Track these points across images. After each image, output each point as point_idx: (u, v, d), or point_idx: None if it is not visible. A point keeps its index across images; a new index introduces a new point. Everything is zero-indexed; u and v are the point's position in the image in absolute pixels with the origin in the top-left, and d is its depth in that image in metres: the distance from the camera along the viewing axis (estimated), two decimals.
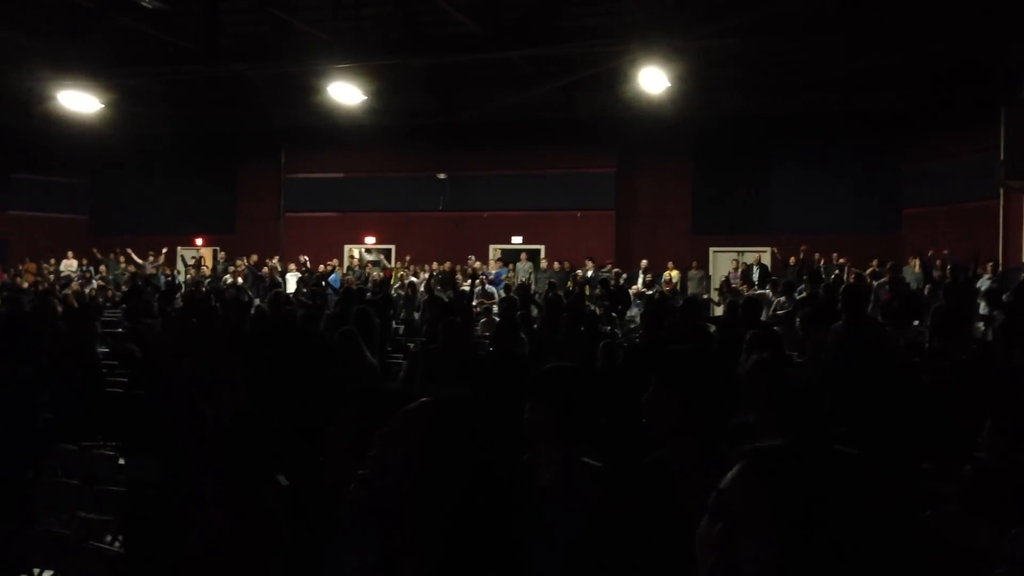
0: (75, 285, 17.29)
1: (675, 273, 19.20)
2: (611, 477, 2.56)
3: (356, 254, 21.90)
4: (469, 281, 17.96)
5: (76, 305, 11.82)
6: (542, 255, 21.27)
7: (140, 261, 19.95)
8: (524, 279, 18.68)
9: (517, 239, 22.48)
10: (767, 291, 13.80)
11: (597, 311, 13.52)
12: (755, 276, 17.56)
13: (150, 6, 15.53)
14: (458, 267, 19.52)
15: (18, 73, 18.47)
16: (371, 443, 1.49)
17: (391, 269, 19.51)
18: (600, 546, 2.30)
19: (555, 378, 2.71)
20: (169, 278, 18.62)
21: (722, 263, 20.87)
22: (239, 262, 20.12)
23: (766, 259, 19.44)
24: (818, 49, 16.83)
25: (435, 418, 1.43)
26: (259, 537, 2.07)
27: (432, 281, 17.33)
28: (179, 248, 23.00)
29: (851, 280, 15.00)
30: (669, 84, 16.61)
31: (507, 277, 19.29)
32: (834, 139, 20.05)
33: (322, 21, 16.06)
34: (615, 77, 17.33)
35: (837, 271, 17.06)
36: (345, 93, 17.84)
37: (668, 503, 2.35)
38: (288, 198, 24.22)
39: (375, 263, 20.43)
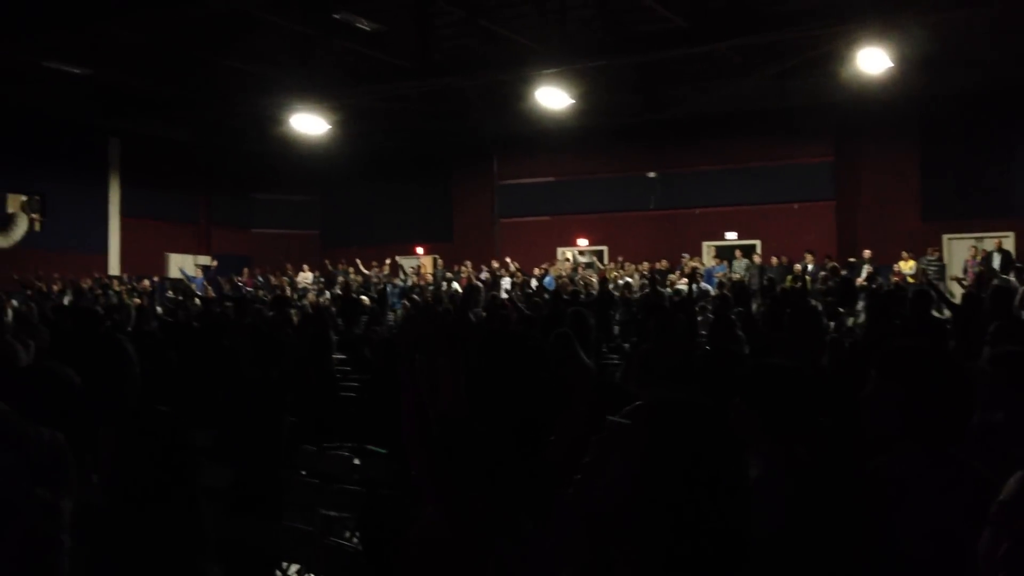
0: (311, 296, 18.46)
1: (910, 264, 18.04)
2: (818, 477, 2.42)
3: (569, 256, 22.12)
4: (686, 279, 17.69)
5: (312, 314, 12.61)
6: (758, 250, 20.62)
7: (366, 271, 21.04)
8: (740, 275, 18.18)
9: (731, 235, 21.93)
10: (1010, 278, 12.71)
11: (819, 306, 12.92)
12: (996, 263, 16.22)
13: (369, 29, 16.39)
14: (670, 264, 19.27)
15: (255, 102, 20.07)
16: (589, 445, 1.48)
17: (604, 270, 19.54)
18: (797, 545, 2.18)
19: (762, 376, 2.61)
20: (397, 286, 19.46)
21: (957, 251, 19.42)
22: (461, 268, 20.80)
23: (1008, 244, 17.91)
24: None
25: (653, 422, 1.39)
26: (471, 541, 2.11)
27: (646, 280, 17.20)
28: (398, 257, 24.15)
29: None
30: (891, 64, 15.64)
31: (722, 274, 18.84)
32: None
33: (528, 28, 16.35)
34: (830, 60, 16.54)
35: None
36: (553, 97, 18.05)
37: (881, 510, 2.19)
38: (501, 204, 24.83)
39: (588, 265, 20.55)
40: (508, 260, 21.03)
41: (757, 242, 21.19)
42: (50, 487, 3.32)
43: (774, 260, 19.37)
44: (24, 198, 21.36)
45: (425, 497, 2.25)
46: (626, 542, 1.38)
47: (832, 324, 11.56)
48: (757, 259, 19.45)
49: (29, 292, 16.81)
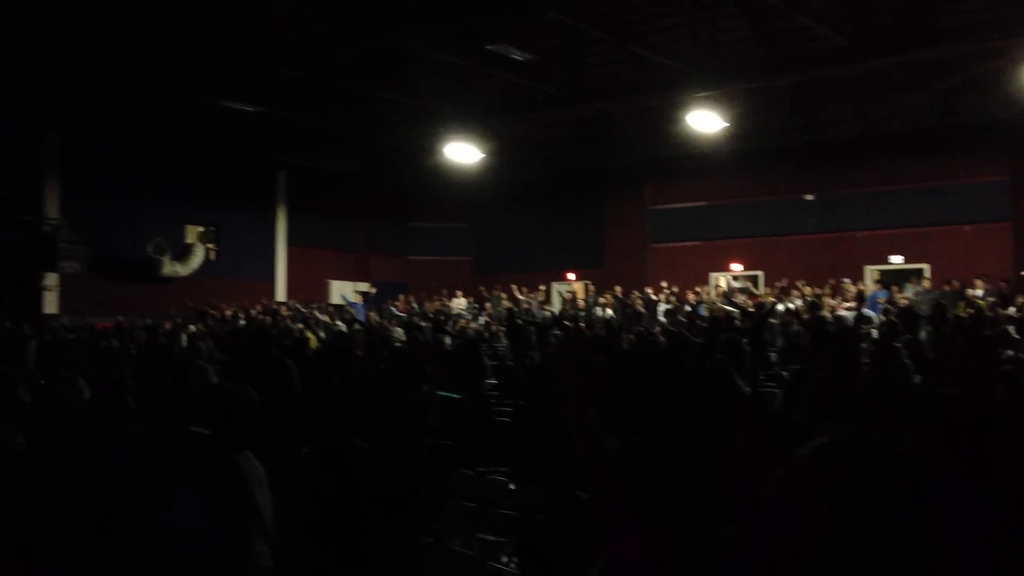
0: (464, 321, 18.81)
1: None
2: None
3: (723, 282, 21.69)
4: (847, 305, 17.02)
5: (466, 340, 12.83)
6: (926, 274, 19.62)
7: (521, 297, 21.26)
8: (907, 301, 17.33)
9: (897, 258, 20.97)
10: None
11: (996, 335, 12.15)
12: None
13: (521, 59, 16.67)
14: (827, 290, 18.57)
15: (411, 133, 20.75)
16: (765, 480, 1.41)
17: (759, 296, 19.04)
18: None
19: (937, 409, 2.48)
20: (546, 312, 19.58)
21: None
22: (608, 295, 20.74)
23: None
24: None
25: (841, 464, 1.31)
26: (666, 567, 2.07)
27: (803, 307, 16.64)
28: (553, 283, 24.26)
29: None
30: None
31: (885, 299, 18.01)
32: None
33: (680, 53, 16.22)
34: (1001, 74, 15.64)
35: None
36: (705, 121, 17.80)
37: None
38: (653, 229, 24.64)
39: (742, 290, 20.08)
40: (664, 285, 20.81)
41: (925, 266, 20.17)
42: (238, 512, 3.50)
43: (946, 286, 18.36)
44: (201, 229, 22.81)
45: (608, 525, 2.21)
46: None
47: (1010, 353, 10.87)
48: (926, 283, 18.50)
49: (205, 317, 17.86)
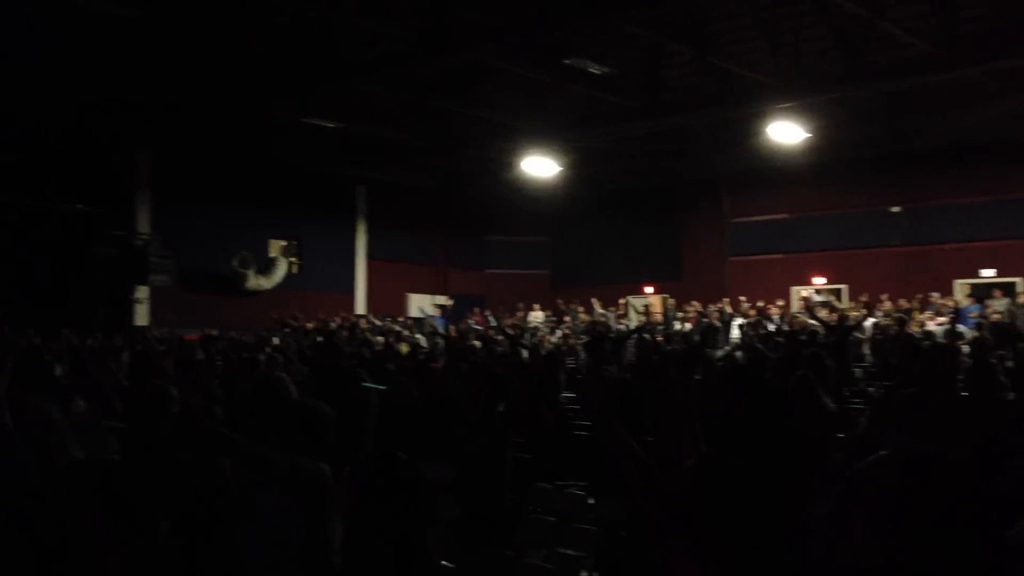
0: (542, 335, 18.81)
1: None
2: None
3: (804, 295, 21.28)
4: (938, 319, 16.54)
5: (545, 353, 12.83)
6: (1019, 288, 18.93)
7: (599, 311, 21.18)
8: (998, 315, 16.74)
9: (988, 272, 20.29)
10: None
11: None
12: None
13: (599, 72, 16.66)
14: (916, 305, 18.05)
15: (488, 147, 20.91)
16: (831, 501, 1.39)
17: (842, 310, 18.60)
18: None
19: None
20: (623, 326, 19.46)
21: None
22: (688, 308, 20.52)
23: None
24: None
25: (903, 475, 1.29)
26: None
27: (890, 321, 16.21)
28: (630, 297, 24.13)
29: None
30: None
31: (977, 314, 17.43)
32: None
33: (760, 63, 16.03)
34: None
35: None
36: (786, 132, 17.53)
37: None
38: (732, 242, 24.33)
39: (824, 304, 19.64)
40: (742, 299, 20.50)
41: (1019, 279, 19.48)
42: (319, 517, 3.57)
43: None
44: (283, 243, 23.32)
45: (672, 544, 2.17)
46: None
47: None
48: (1021, 298, 17.86)
49: (287, 329, 18.22)
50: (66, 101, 17.13)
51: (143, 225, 20.22)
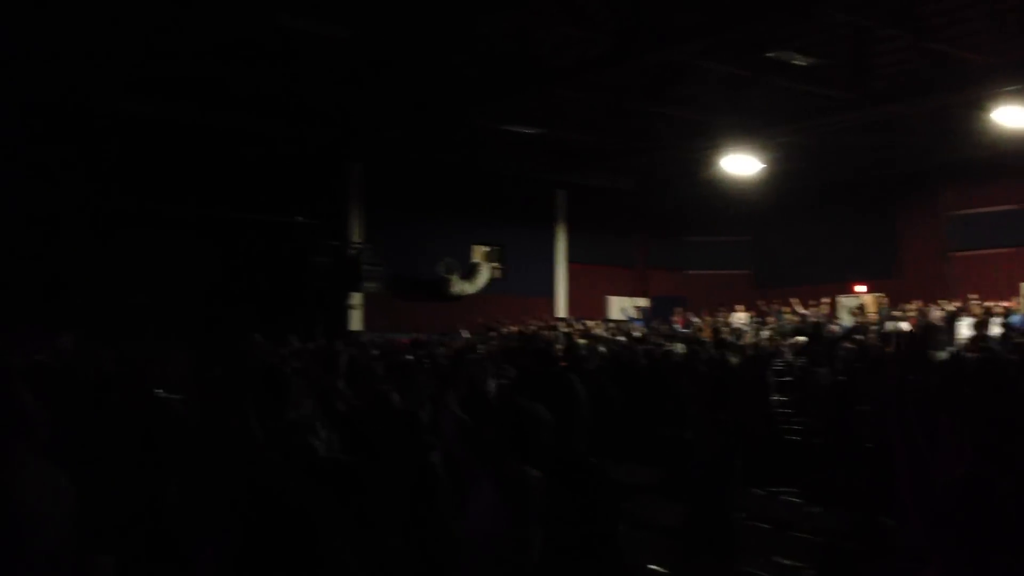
0: (747, 336, 18.30)
1: None
2: None
3: None
4: None
5: (752, 355, 12.50)
6: None
7: (804, 311, 20.38)
8: None
9: None
10: None
11: None
12: None
13: (804, 63, 16.04)
14: None
15: (687, 146, 20.59)
16: None
17: None
18: None
19: None
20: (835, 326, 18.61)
21: None
22: (907, 307, 19.35)
23: None
24: None
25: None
26: None
27: None
28: (839, 296, 23.04)
29: None
30: None
31: None
32: None
33: (983, 44, 14.92)
34: None
35: None
36: (1014, 117, 16.22)
37: None
38: (952, 236, 22.78)
39: None
40: (972, 297, 19.05)
41: None
42: (524, 519, 3.63)
43: None
44: (486, 249, 23.94)
45: (920, 559, 2.06)
46: None
47: None
48: None
49: (493, 333, 18.67)
50: (290, 121, 18.36)
51: (356, 234, 21.31)
